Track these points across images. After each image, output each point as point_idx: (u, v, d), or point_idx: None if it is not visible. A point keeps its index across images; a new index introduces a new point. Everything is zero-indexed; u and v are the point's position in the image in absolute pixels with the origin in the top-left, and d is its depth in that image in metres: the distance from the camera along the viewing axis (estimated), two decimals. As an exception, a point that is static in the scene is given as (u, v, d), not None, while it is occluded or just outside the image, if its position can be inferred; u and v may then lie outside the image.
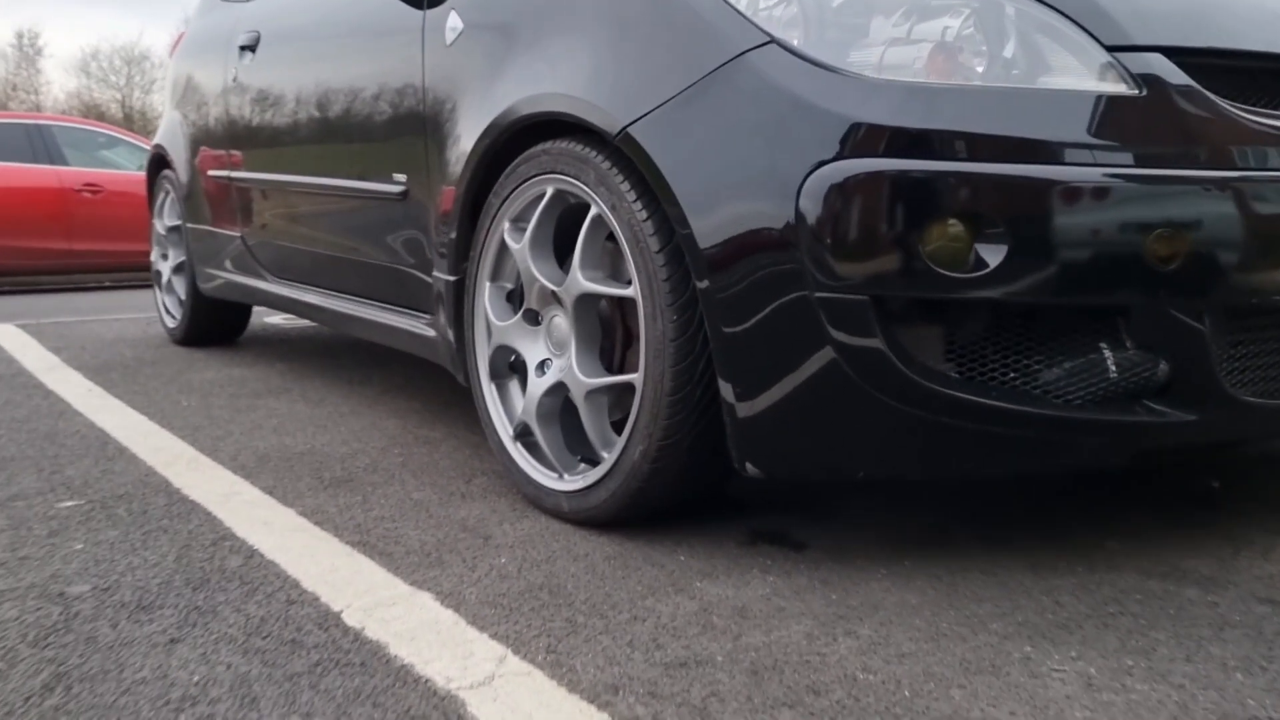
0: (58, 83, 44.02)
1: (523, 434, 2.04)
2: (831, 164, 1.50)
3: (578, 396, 1.86)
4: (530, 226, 1.94)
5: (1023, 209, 1.46)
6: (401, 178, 2.43)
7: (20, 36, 38.11)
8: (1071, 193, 1.45)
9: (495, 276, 2.11)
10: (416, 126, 2.35)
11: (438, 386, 3.22)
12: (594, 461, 1.91)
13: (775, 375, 1.58)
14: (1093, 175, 1.46)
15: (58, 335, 4.59)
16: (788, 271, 1.53)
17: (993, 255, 1.47)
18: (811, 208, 1.51)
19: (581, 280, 1.82)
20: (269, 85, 3.15)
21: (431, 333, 2.40)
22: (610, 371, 1.91)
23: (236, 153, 3.39)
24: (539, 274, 1.93)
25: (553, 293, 1.92)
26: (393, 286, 2.61)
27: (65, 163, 8.36)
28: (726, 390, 1.63)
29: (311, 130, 2.86)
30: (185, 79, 3.90)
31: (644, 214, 1.71)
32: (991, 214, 1.46)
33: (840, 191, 1.49)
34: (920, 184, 1.47)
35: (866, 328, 1.51)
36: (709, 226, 1.60)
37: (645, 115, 1.68)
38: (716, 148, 1.60)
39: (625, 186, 1.74)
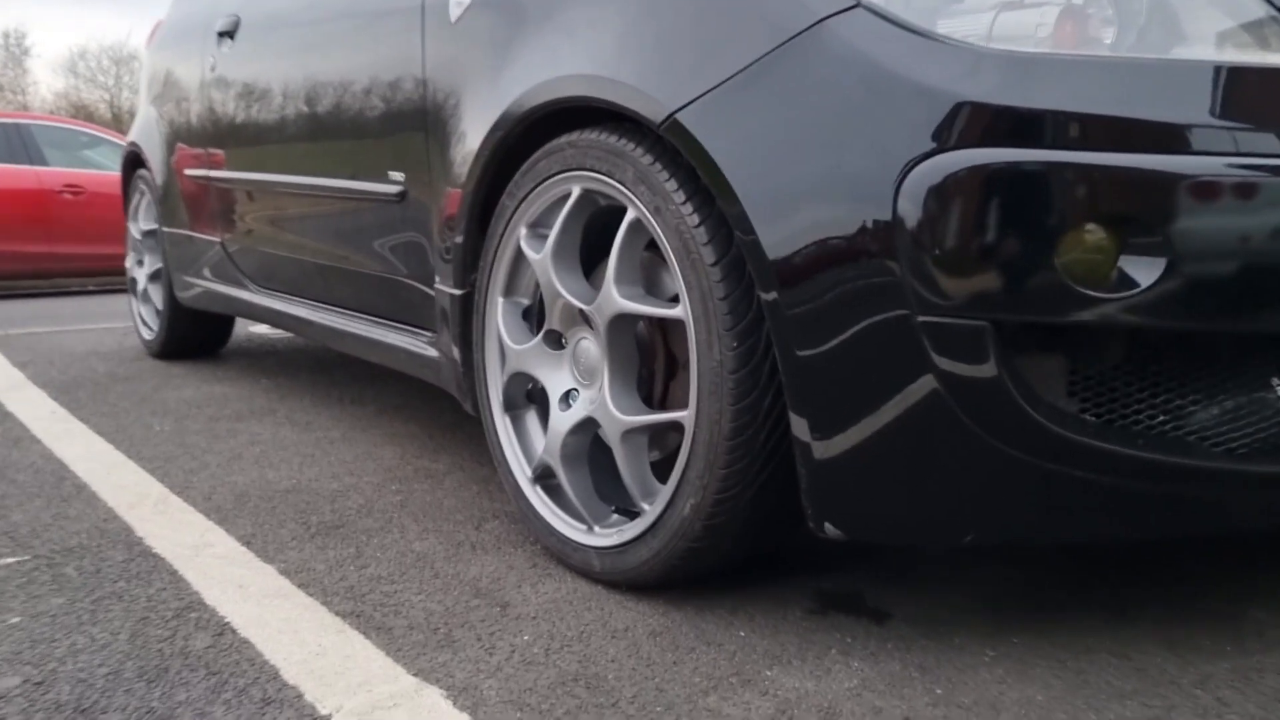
0: (45, 83, 43.68)
1: (543, 476, 1.74)
2: (939, 156, 1.20)
3: (612, 436, 1.56)
4: (553, 233, 1.63)
5: (1188, 212, 1.15)
6: (399, 177, 2.13)
7: (6, 36, 37.66)
8: (1250, 189, 1.15)
9: (509, 291, 1.80)
10: (416, 119, 2.04)
11: (439, 407, 2.91)
12: (631, 513, 1.61)
13: (862, 408, 1.28)
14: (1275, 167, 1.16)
15: (27, 347, 4.28)
16: (882, 286, 1.23)
17: (1145, 270, 1.17)
18: (913, 210, 1.20)
19: (617, 298, 1.52)
20: (249, 75, 2.84)
21: (434, 353, 2.10)
22: (651, 406, 1.61)
23: (215, 150, 3.08)
24: (563, 290, 1.62)
25: (580, 312, 1.62)
26: (389, 299, 2.31)
27: (45, 163, 8.02)
28: (800, 426, 1.33)
29: (297, 124, 2.55)
30: (161, 71, 3.58)
31: (695, 218, 1.40)
32: (1146, 218, 1.16)
33: (951, 189, 1.19)
34: (1053, 181, 1.17)
35: (981, 356, 1.21)
36: (781, 232, 1.30)
37: (698, 98, 1.38)
38: (790, 136, 1.30)
39: (672, 185, 1.43)
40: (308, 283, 2.72)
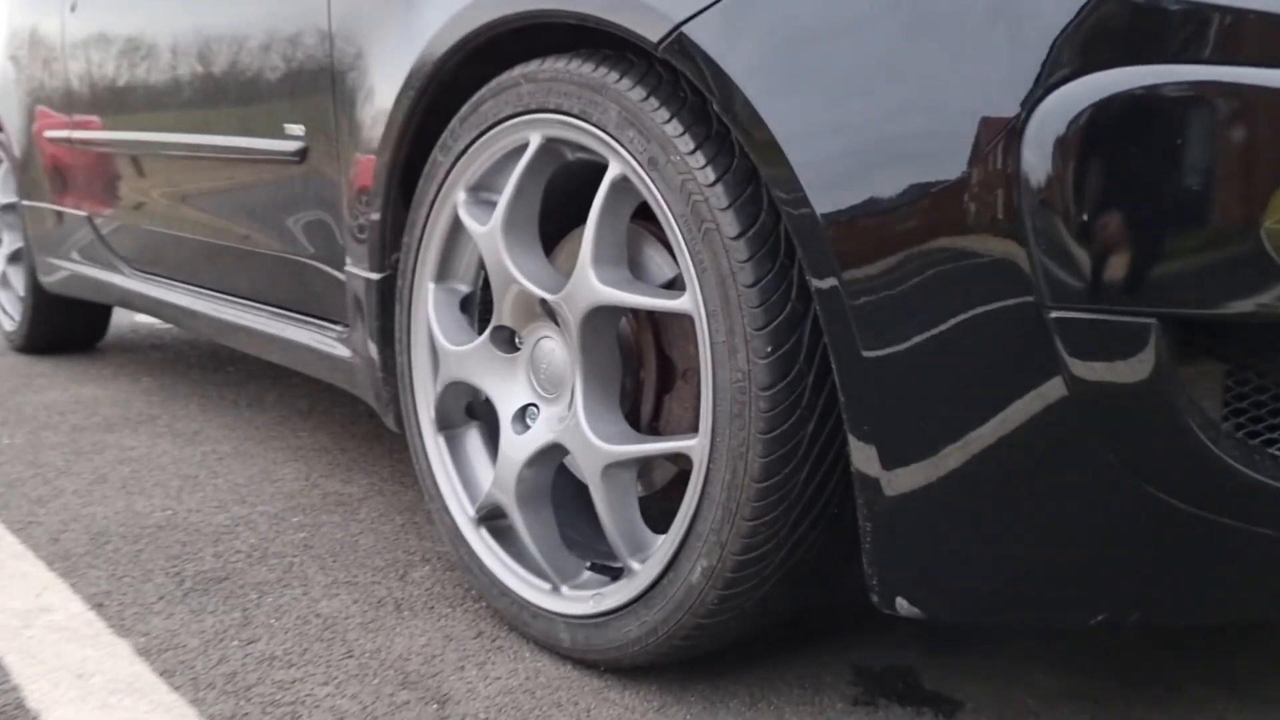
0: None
1: (491, 516, 1.33)
2: (1085, 78, 0.82)
3: (588, 470, 1.15)
4: (504, 198, 1.22)
5: None
6: (297, 130, 1.69)
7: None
8: None
9: (443, 275, 1.38)
10: (318, 68, 1.60)
11: (355, 412, 2.47)
12: (611, 569, 1.21)
13: (957, 431, 0.90)
14: None
15: None
16: (995, 267, 0.85)
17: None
18: (1042, 162, 0.83)
19: (595, 284, 1.11)
20: (121, 26, 2.34)
21: (345, 352, 1.67)
22: (639, 429, 1.21)
23: (84, 112, 2.58)
24: (519, 273, 1.21)
25: (542, 303, 1.22)
26: (290, 286, 1.86)
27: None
28: (865, 456, 0.94)
29: (178, 80, 2.08)
30: (20, 23, 3.05)
31: (710, 172, 1.01)
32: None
33: (1103, 127, 0.81)
34: (1263, 113, 0.80)
35: (1141, 365, 0.84)
36: (844, 194, 0.91)
37: (716, 2, 0.98)
38: (853, 58, 0.91)
39: (674, 128, 1.03)
40: (193, 266, 2.25)
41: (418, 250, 1.39)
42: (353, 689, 1.18)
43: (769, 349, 0.98)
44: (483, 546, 1.34)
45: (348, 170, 1.55)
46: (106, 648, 1.29)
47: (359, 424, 2.34)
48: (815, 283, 0.94)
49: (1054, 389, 0.86)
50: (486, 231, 1.24)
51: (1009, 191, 0.84)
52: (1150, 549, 0.90)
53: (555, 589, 1.24)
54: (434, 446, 1.40)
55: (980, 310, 0.87)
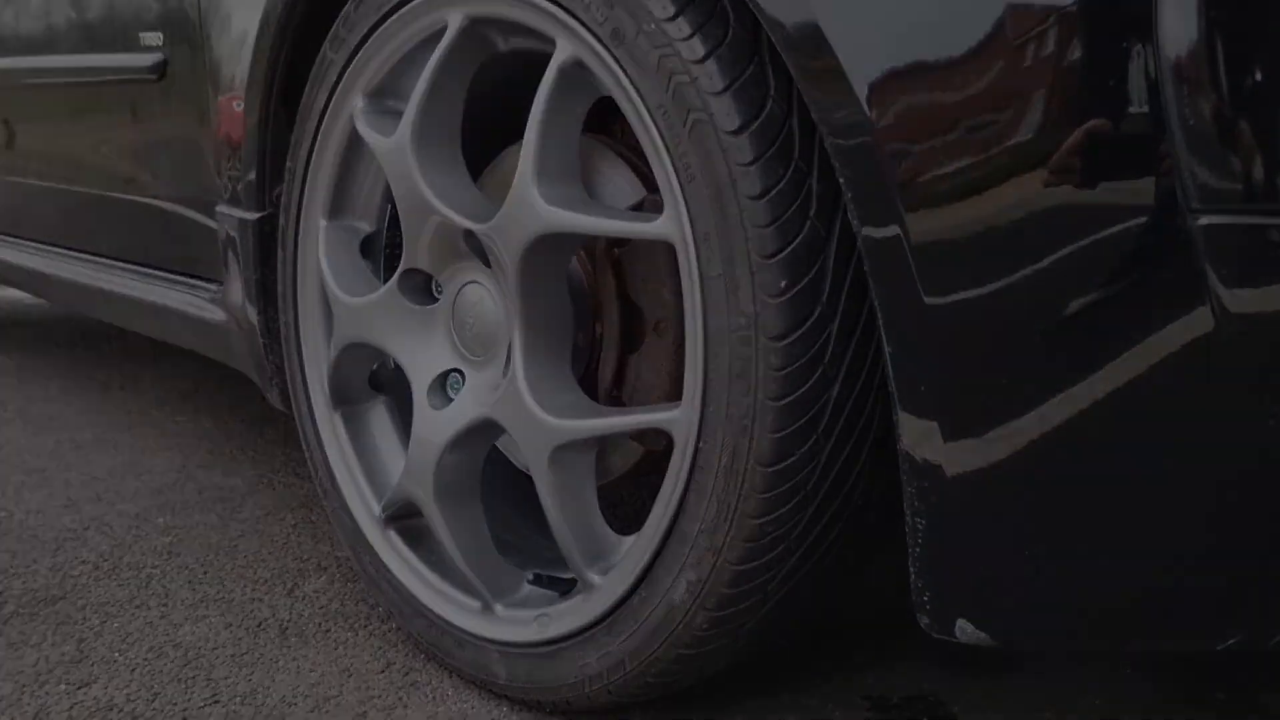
0: None
1: (402, 515, 1.04)
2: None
3: (532, 452, 0.87)
4: (415, 101, 0.92)
5: None
6: (154, 39, 1.36)
7: None
8: None
9: (337, 210, 1.08)
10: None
11: (247, 394, 2.14)
12: (562, 583, 0.94)
13: (1048, 393, 0.64)
14: None
15: None
16: (1134, 170, 0.60)
17: None
18: (1185, 33, 0.57)
19: (542, 206, 0.83)
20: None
21: (220, 315, 1.36)
22: (597, 398, 0.93)
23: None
24: (436, 199, 0.92)
25: (468, 237, 0.93)
26: (157, 238, 1.53)
27: None
28: (919, 432, 0.68)
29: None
30: None
31: (700, 46, 0.73)
32: None
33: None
34: None
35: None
36: (897, 81, 0.64)
37: None
38: None
39: (650, -11, 0.75)
40: (39, 218, 1.90)
41: (304, 178, 1.09)
42: (217, 749, 0.89)
43: (783, 283, 0.71)
44: (391, 553, 1.05)
45: (215, 82, 1.24)
46: (-113, 698, 0.97)
47: (249, 406, 2.01)
48: (851, 191, 0.67)
49: (1198, 325, 0.61)
50: (393, 146, 0.94)
51: (1148, 70, 0.59)
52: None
53: (486, 607, 0.96)
54: (328, 428, 1.11)
55: (1108, 232, 0.61)
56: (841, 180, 0.68)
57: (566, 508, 0.87)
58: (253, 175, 1.19)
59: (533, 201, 0.83)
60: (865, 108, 0.65)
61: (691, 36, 0.74)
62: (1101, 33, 0.60)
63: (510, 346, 0.89)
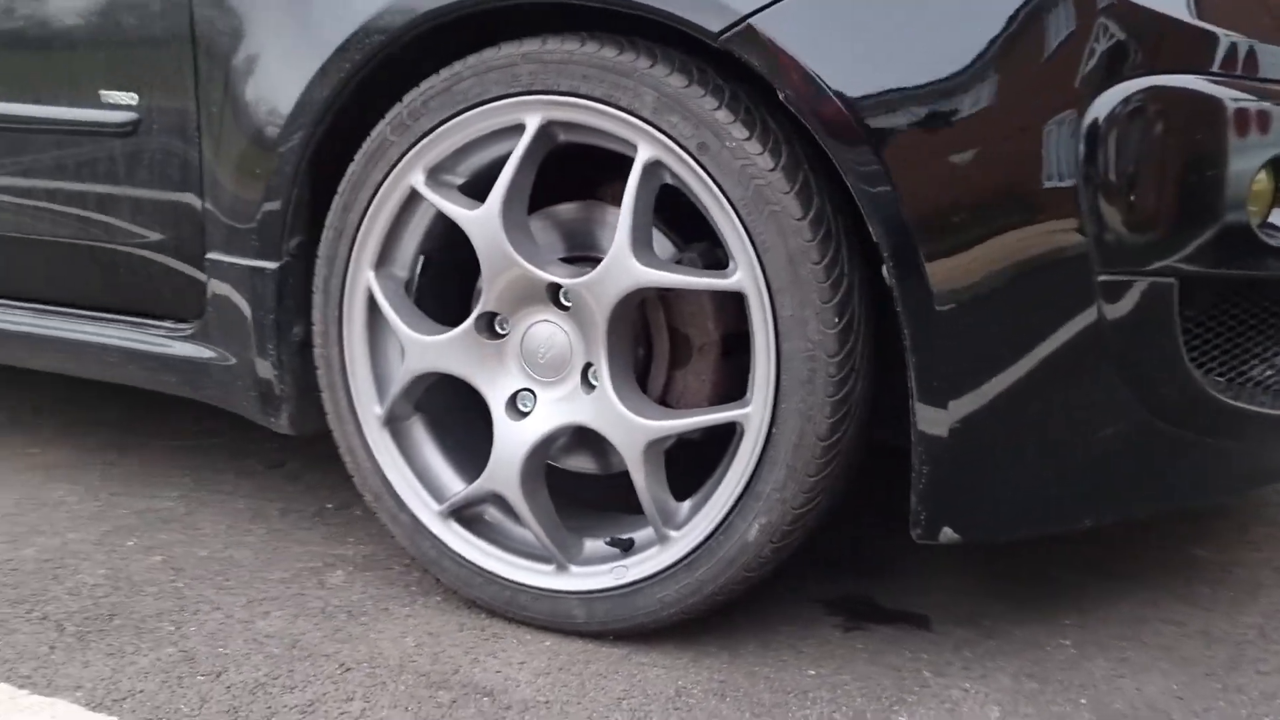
0: None
1: (460, 507, 1.31)
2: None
3: (629, 448, 1.19)
4: (504, 181, 1.19)
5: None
6: (127, 99, 1.48)
7: None
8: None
9: (383, 262, 1.32)
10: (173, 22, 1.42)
11: (93, 412, 2.16)
12: (621, 543, 1.25)
13: (1011, 380, 1.08)
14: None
15: None
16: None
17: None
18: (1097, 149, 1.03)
19: (637, 268, 1.15)
20: None
21: (193, 351, 1.51)
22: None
23: None
24: (523, 259, 1.21)
25: (550, 287, 1.22)
26: (93, 281, 1.62)
27: None
28: (929, 417, 1.08)
29: None
30: None
31: (770, 160, 1.09)
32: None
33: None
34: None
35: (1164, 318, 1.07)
36: (923, 175, 1.04)
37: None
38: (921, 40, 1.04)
39: (725, 115, 1.10)
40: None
41: (354, 237, 1.31)
42: (385, 700, 1.12)
43: (836, 319, 1.09)
44: (455, 538, 1.31)
45: (222, 148, 1.40)
46: (42, 711, 1.10)
47: (103, 430, 2.06)
48: (889, 262, 1.06)
49: (1096, 341, 1.06)
50: (481, 216, 1.21)
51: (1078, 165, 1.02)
52: (1147, 462, 1.14)
53: (561, 567, 1.25)
54: (382, 443, 1.34)
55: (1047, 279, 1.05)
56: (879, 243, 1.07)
57: (651, 486, 1.19)
58: (273, 230, 1.37)
59: (630, 265, 1.15)
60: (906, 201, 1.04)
61: (764, 153, 1.09)
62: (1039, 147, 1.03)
63: (601, 370, 1.19)
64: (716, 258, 1.23)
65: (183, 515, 1.65)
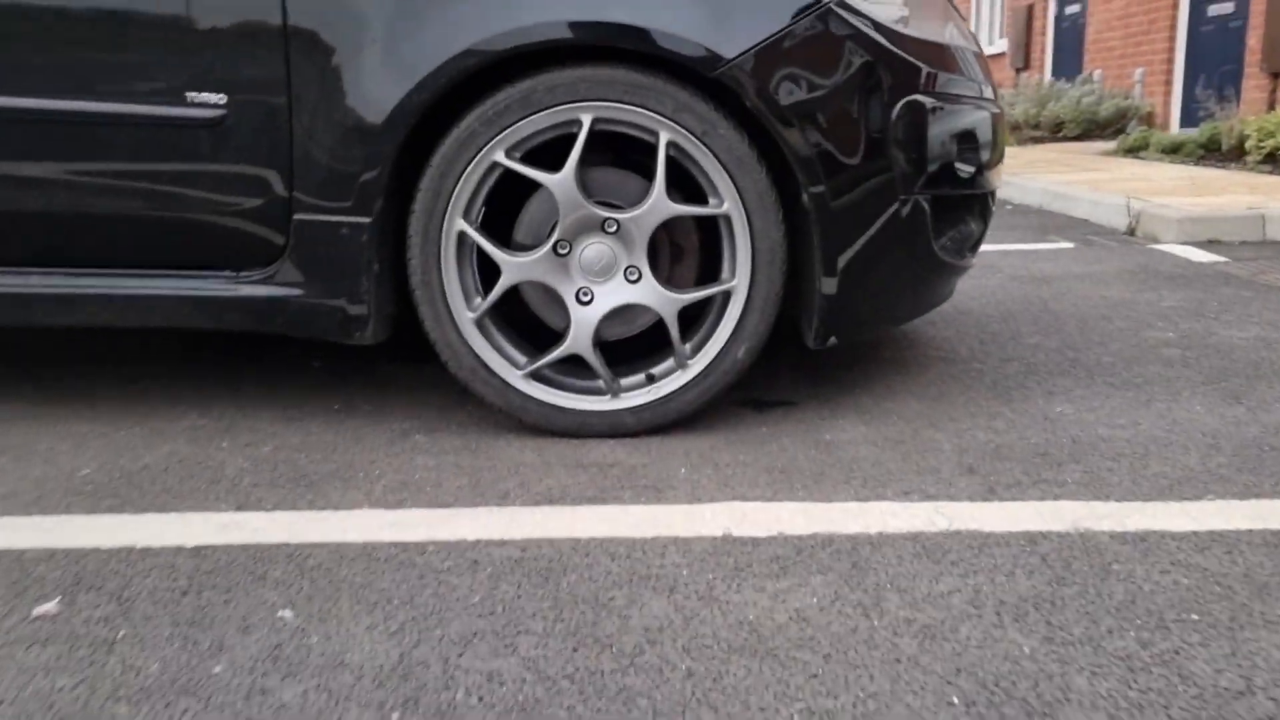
0: None
1: (538, 369, 2.01)
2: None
3: (668, 312, 1.98)
4: (575, 154, 1.90)
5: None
6: (216, 99, 1.91)
7: None
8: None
9: (467, 213, 1.96)
10: (268, 36, 1.88)
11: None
12: (650, 376, 2.04)
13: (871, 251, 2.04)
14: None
15: None
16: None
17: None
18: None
19: (669, 204, 1.93)
20: None
21: (274, 290, 2.00)
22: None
23: None
24: (588, 202, 1.93)
25: (606, 221, 1.95)
26: (175, 242, 2.00)
27: None
28: (830, 282, 2.01)
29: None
30: None
31: (746, 138, 1.92)
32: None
33: (917, 116, 2.01)
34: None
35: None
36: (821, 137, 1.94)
37: (750, 49, 1.88)
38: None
39: (717, 114, 1.91)
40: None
41: (451, 195, 1.93)
42: (558, 474, 1.84)
43: (784, 227, 1.97)
44: (538, 389, 2.01)
45: (318, 133, 1.91)
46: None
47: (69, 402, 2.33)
48: (810, 188, 1.95)
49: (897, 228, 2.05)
50: (561, 178, 1.91)
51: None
52: (923, 286, 2.17)
53: (615, 395, 2.02)
54: (476, 335, 1.99)
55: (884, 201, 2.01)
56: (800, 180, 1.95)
57: (679, 335, 2.00)
58: (366, 194, 1.92)
59: (665, 203, 1.93)
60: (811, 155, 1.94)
61: (741, 136, 1.92)
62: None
63: (641, 269, 1.96)
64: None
65: (273, 415, 2.12)
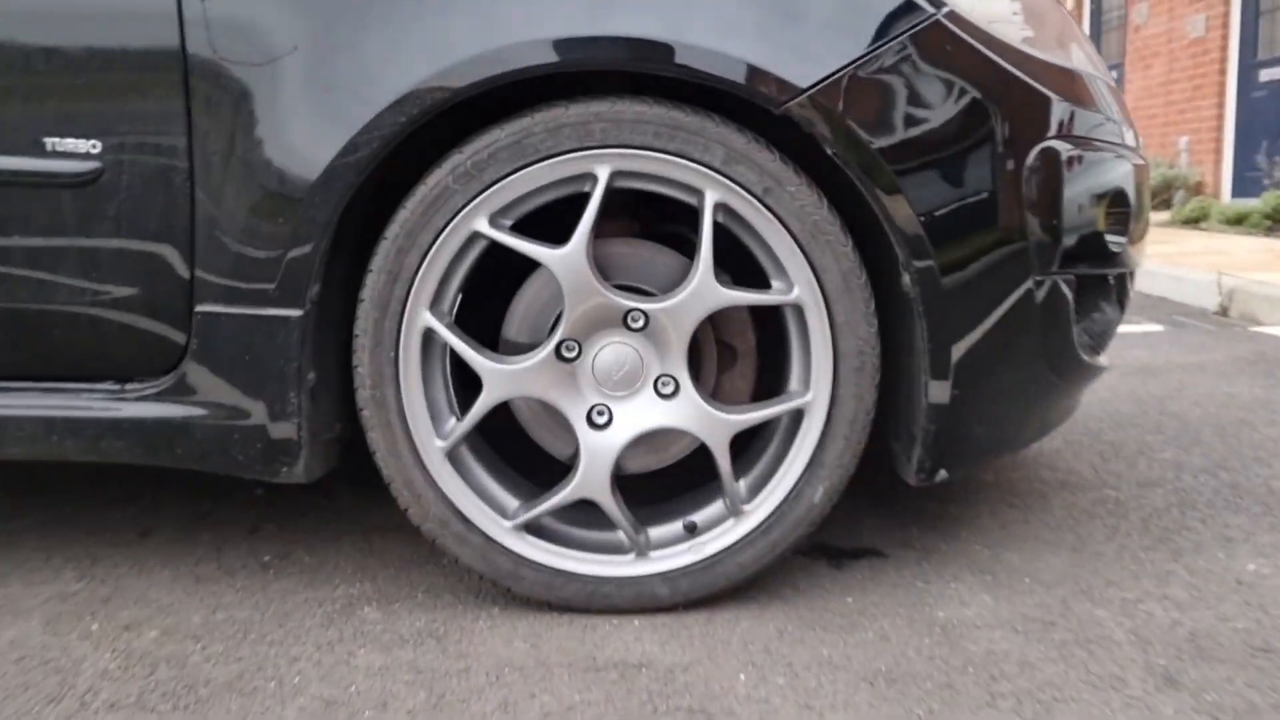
0: None
1: (530, 521, 1.44)
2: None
3: (716, 441, 1.41)
4: (586, 222, 1.35)
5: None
6: (88, 146, 1.37)
7: None
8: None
9: (436, 302, 1.40)
10: (159, 47, 1.35)
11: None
12: (690, 526, 1.47)
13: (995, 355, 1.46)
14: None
15: None
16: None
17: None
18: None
19: (720, 290, 1.37)
20: None
21: (176, 410, 1.45)
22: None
23: None
24: (605, 290, 1.37)
25: (630, 313, 1.39)
26: (33, 344, 1.45)
27: None
28: (937, 389, 1.44)
29: None
30: None
31: (823, 201, 1.37)
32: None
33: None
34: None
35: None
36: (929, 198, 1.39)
37: (832, 76, 1.34)
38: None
39: (782, 165, 1.36)
40: None
41: (414, 278, 1.37)
42: (560, 687, 1.26)
43: (875, 322, 1.41)
44: (534, 549, 1.44)
45: (230, 195, 1.37)
46: None
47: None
48: (915, 263, 1.38)
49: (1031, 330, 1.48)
50: (567, 253, 1.35)
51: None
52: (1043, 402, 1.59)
53: (641, 554, 1.44)
54: (445, 472, 1.42)
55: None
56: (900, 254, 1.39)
57: (731, 471, 1.42)
58: (297, 279, 1.38)
59: (714, 288, 1.37)
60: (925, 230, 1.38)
61: (817, 196, 1.37)
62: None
63: (660, 380, 1.40)
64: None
65: (246, 544, 1.55)
